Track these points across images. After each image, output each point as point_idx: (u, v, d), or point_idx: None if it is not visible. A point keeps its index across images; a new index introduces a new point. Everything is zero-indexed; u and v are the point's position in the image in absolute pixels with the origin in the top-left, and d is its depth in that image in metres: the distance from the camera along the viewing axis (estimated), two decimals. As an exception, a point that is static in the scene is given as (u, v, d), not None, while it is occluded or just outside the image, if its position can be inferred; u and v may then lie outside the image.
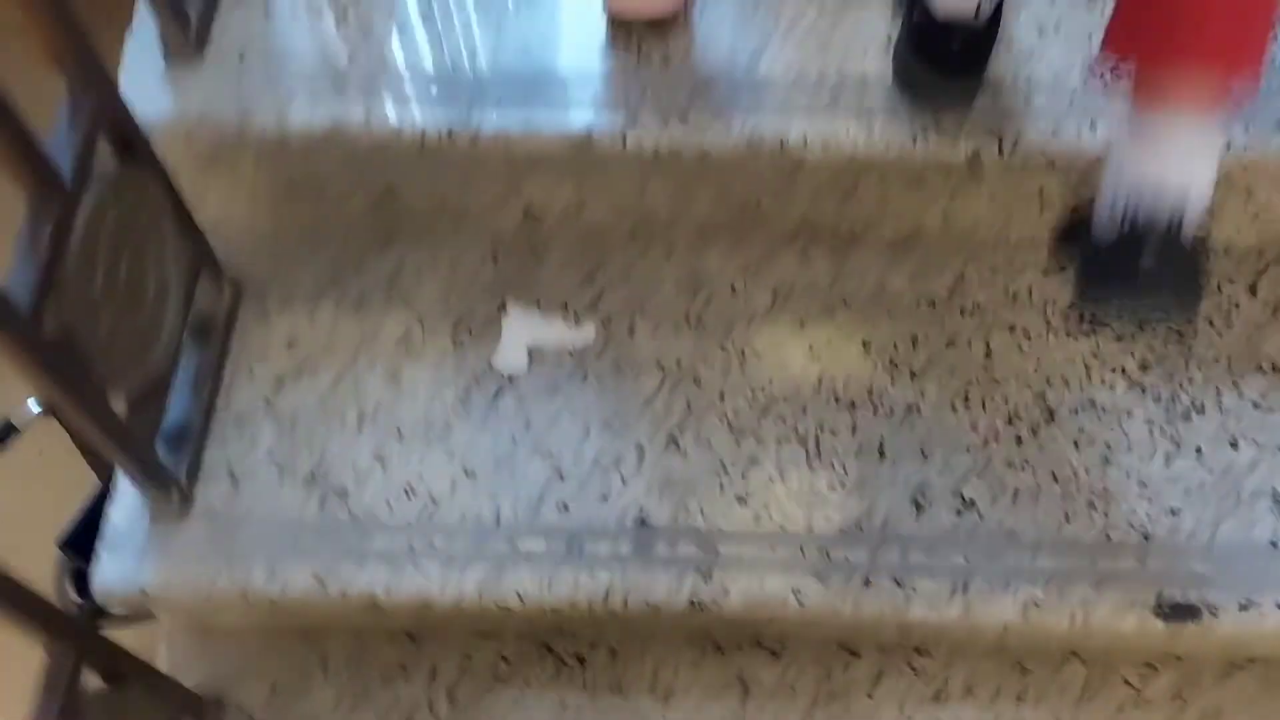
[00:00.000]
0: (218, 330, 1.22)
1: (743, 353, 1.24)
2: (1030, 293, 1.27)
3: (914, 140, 1.16)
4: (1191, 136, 0.91)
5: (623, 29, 1.23)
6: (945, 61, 1.13)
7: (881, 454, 1.19)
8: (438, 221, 1.29)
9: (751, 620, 1.16)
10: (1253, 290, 1.28)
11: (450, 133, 1.17)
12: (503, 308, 1.26)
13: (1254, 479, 1.18)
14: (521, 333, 1.25)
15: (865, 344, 1.25)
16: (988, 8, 1.08)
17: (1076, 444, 1.20)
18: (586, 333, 1.25)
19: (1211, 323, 1.26)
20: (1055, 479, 1.18)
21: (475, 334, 1.25)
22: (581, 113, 1.17)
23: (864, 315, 1.26)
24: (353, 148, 1.18)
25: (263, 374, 1.23)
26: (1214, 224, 1.26)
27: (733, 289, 1.27)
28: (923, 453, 1.19)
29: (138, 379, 1.04)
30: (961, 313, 1.26)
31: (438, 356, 1.24)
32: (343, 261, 1.29)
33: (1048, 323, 1.26)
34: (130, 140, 1.00)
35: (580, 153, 1.18)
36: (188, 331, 1.18)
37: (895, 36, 1.19)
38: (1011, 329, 1.25)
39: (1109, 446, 1.20)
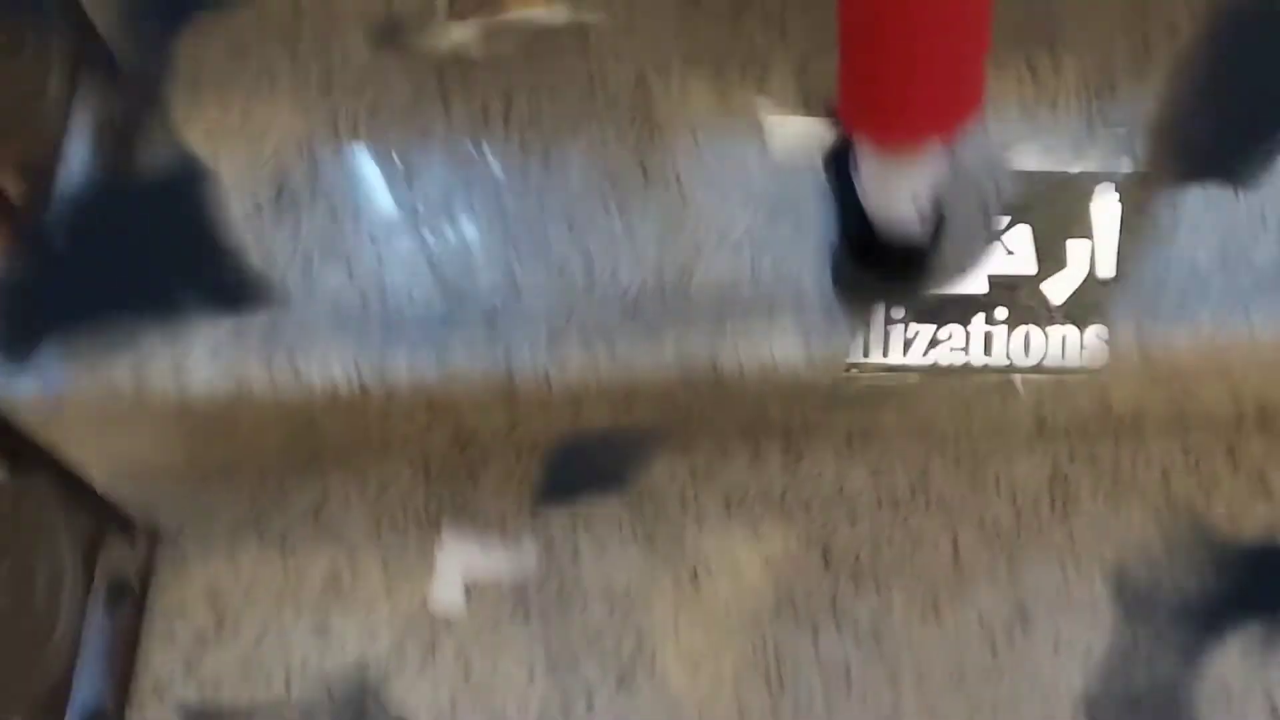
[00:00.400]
0: (133, 590, 1.14)
1: (695, 572, 1.16)
2: (998, 481, 1.20)
3: (860, 353, 1.08)
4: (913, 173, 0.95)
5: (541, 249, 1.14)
6: (888, 269, 1.05)
7: (849, 679, 1.12)
8: (363, 445, 1.20)
9: None
10: (1231, 456, 1.20)
11: (362, 387, 1.08)
12: (437, 534, 1.18)
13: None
14: (458, 565, 1.17)
15: (825, 552, 1.17)
16: (933, 222, 1.00)
17: (1056, 649, 1.12)
18: (527, 559, 1.17)
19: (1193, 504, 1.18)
20: (1035, 690, 1.11)
21: (408, 568, 1.17)
22: (502, 348, 1.09)
23: (822, 519, 1.18)
24: (259, 406, 1.10)
25: (183, 633, 1.15)
26: (1188, 400, 1.18)
27: (681, 499, 1.19)
28: (893, 676, 1.11)
29: (30, 689, 0.96)
30: (926, 508, 1.19)
31: (368, 600, 1.16)
32: (262, 495, 1.21)
33: (1018, 513, 1.18)
34: (11, 449, 0.92)
35: (504, 389, 1.10)
36: (100, 597, 1.11)
37: (834, 240, 1.11)
38: (980, 523, 1.18)
39: (1090, 650, 1.12)
